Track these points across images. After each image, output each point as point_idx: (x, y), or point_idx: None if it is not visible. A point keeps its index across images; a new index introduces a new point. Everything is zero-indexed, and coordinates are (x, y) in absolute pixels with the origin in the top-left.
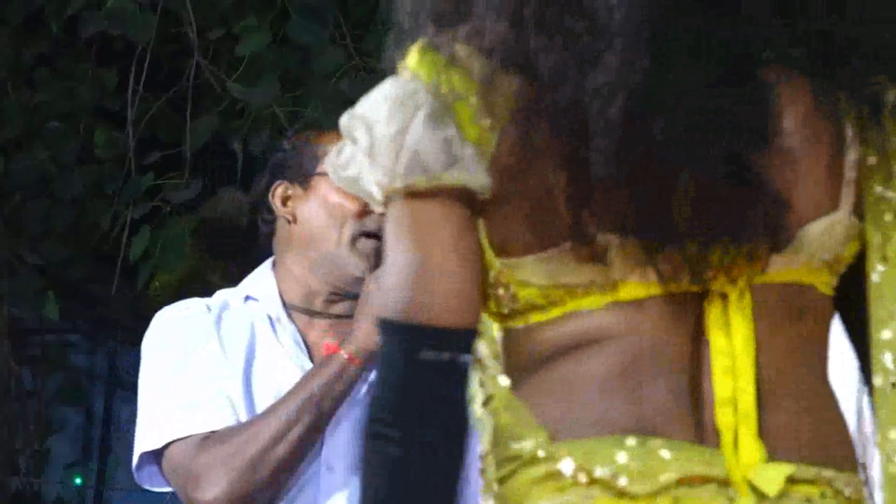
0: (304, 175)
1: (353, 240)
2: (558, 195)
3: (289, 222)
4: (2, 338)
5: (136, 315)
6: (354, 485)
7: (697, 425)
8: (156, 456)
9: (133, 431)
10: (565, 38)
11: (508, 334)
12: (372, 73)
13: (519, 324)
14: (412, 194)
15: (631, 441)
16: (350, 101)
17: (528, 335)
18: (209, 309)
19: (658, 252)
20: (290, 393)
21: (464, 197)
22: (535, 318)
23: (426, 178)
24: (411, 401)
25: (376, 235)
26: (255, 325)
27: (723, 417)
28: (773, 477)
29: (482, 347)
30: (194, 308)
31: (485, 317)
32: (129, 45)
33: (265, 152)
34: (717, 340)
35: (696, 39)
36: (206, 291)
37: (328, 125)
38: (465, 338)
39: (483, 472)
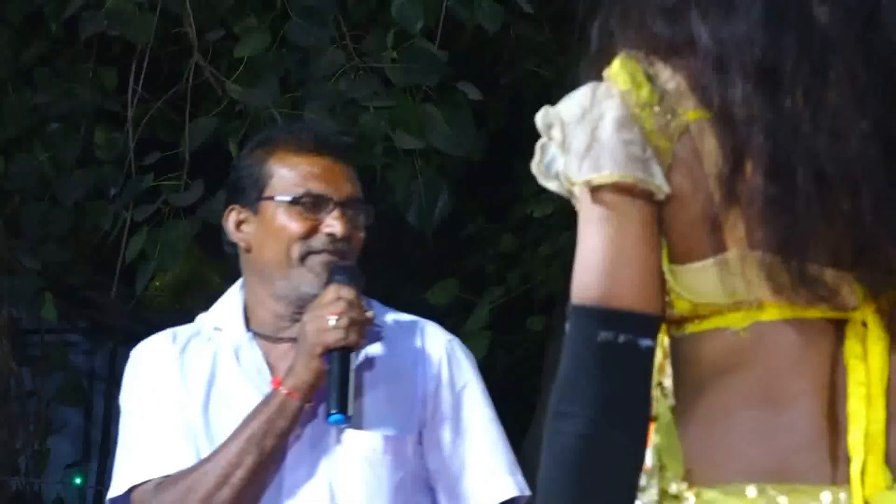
0: (254, 198)
1: (302, 259)
2: (717, 209)
3: (245, 249)
4: (2, 338)
5: (136, 315)
6: None
7: (830, 454)
8: (124, 501)
9: None
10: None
11: (673, 343)
12: (372, 73)
13: (678, 332)
14: (598, 188)
15: (752, 491)
16: (350, 102)
17: (685, 346)
18: (174, 340)
19: (809, 275)
20: (234, 433)
21: (645, 195)
22: (689, 328)
23: (610, 172)
24: (590, 380)
25: (323, 251)
26: (217, 354)
27: (855, 445)
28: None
29: (661, 360)
30: (159, 344)
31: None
32: (129, 46)
33: None
34: (855, 369)
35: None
36: (206, 292)
37: (328, 125)
38: (643, 322)
39: (643, 489)
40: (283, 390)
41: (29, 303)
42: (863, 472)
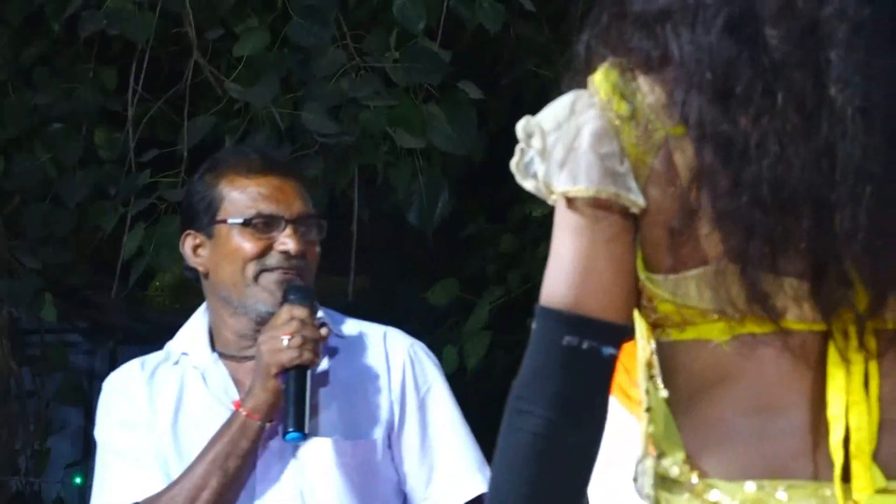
0: (207, 222)
1: (256, 278)
2: (697, 223)
3: (203, 273)
4: (2, 338)
5: (136, 315)
6: None
7: (816, 461)
8: None
9: None
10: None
11: (659, 347)
12: (373, 73)
13: (663, 337)
14: (574, 199)
15: (750, 487)
16: (350, 102)
17: (671, 352)
18: (143, 367)
19: (782, 295)
20: (199, 455)
21: (619, 208)
22: (673, 334)
23: (585, 187)
24: (550, 382)
25: (277, 269)
26: (184, 377)
27: (836, 452)
28: None
29: (650, 357)
30: (127, 373)
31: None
32: (129, 46)
33: None
34: (834, 377)
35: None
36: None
37: (326, 129)
38: (607, 331)
39: (635, 479)
40: (243, 412)
41: (29, 303)
42: (847, 477)
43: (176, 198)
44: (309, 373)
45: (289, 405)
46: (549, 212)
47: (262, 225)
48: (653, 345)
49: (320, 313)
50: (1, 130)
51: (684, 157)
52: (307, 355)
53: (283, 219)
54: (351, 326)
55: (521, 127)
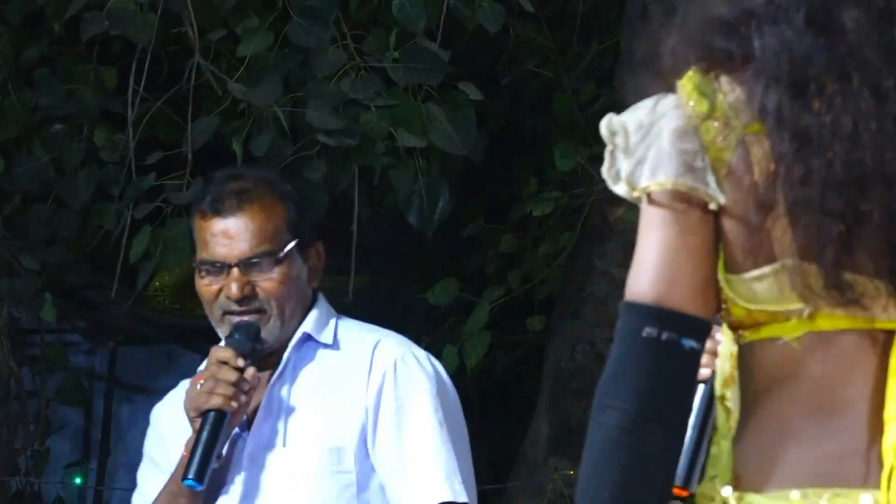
0: (195, 259)
1: (221, 318)
2: (772, 219)
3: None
4: (2, 338)
5: (136, 315)
6: None
7: (868, 463)
8: None
9: (133, 430)
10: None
11: (740, 351)
12: (373, 73)
13: (741, 340)
14: (657, 194)
15: (795, 494)
16: (350, 102)
17: (745, 355)
18: (185, 387)
19: (838, 283)
20: (157, 497)
21: (698, 202)
22: (748, 335)
23: (664, 180)
24: (631, 375)
25: (231, 312)
26: None
27: (886, 451)
28: None
29: (731, 371)
30: (169, 399)
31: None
32: (130, 46)
33: (267, 154)
34: (893, 380)
35: None
36: None
37: (329, 125)
38: (688, 323)
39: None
40: (185, 452)
41: (29, 303)
42: (889, 484)
43: (181, 200)
44: (228, 416)
45: (194, 451)
46: (549, 211)
47: (211, 270)
48: (735, 351)
49: (311, 320)
50: (1, 130)
51: (761, 152)
52: (216, 400)
53: (226, 264)
54: (349, 330)
55: (604, 125)
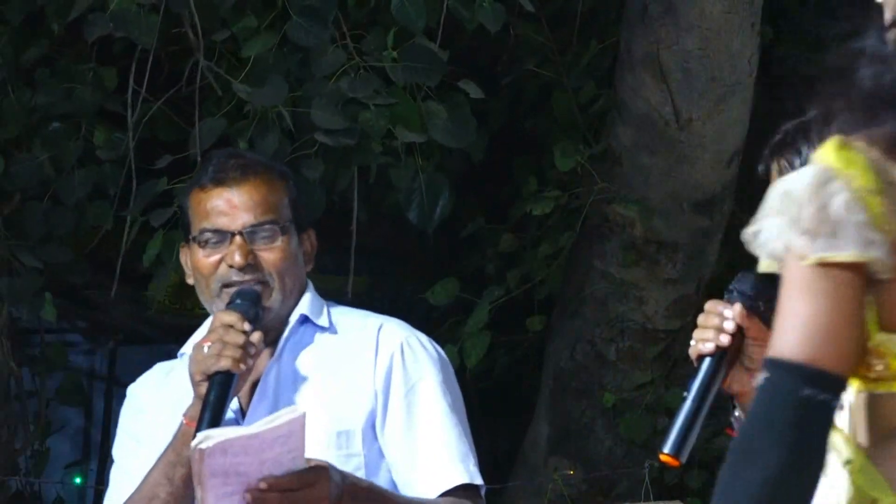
0: (187, 236)
1: (219, 292)
2: None
3: (190, 283)
4: (2, 338)
5: (136, 315)
6: None
7: None
8: None
9: None
10: None
11: (872, 398)
12: (373, 72)
13: (882, 389)
14: (826, 262)
15: None
16: (350, 101)
17: (882, 401)
18: (163, 372)
19: None
20: (154, 464)
21: (864, 272)
22: (893, 386)
23: (845, 252)
24: (786, 432)
25: (233, 283)
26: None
27: None
28: None
29: (848, 411)
30: (146, 381)
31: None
32: (130, 46)
33: (275, 154)
34: None
35: None
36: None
37: (334, 125)
38: (840, 384)
39: None
40: (185, 420)
41: (29, 303)
42: None
43: None
44: (235, 377)
45: (203, 413)
46: (549, 211)
47: (212, 241)
48: (858, 398)
49: (306, 302)
50: (1, 130)
51: None
52: (224, 361)
53: (230, 232)
54: (348, 317)
55: (769, 198)
